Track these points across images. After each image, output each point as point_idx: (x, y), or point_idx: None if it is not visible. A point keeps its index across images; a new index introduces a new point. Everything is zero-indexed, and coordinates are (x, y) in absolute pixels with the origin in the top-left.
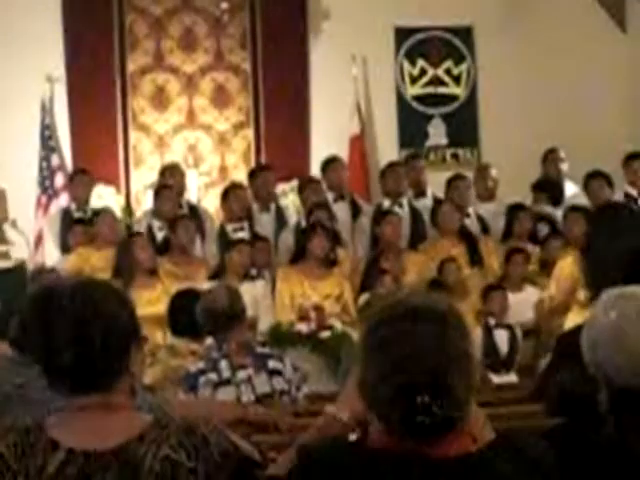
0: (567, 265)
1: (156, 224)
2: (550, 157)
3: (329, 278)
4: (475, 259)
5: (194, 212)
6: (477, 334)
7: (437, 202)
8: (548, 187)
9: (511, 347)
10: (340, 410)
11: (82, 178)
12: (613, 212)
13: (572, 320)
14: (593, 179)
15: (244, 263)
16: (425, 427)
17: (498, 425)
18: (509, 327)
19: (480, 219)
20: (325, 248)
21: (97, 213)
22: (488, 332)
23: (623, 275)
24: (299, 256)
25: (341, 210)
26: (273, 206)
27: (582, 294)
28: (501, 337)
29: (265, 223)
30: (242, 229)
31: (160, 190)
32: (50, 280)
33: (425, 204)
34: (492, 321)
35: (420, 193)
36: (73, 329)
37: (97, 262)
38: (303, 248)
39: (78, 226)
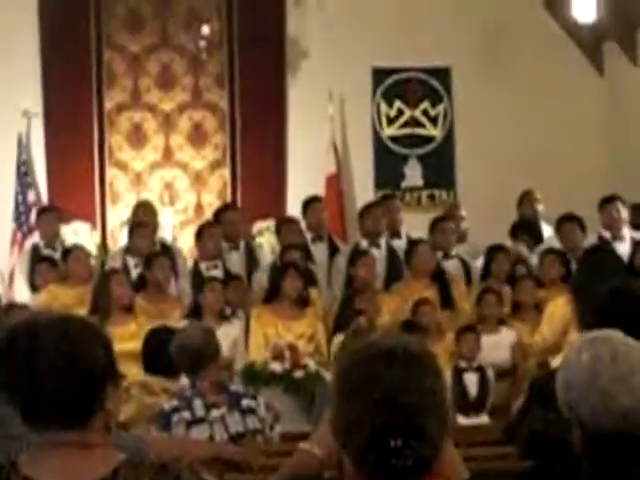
0: (559, 307)
1: (131, 261)
2: (526, 199)
3: (302, 318)
4: (447, 302)
5: (166, 250)
6: (447, 376)
7: (411, 243)
8: (526, 229)
9: (482, 389)
10: (314, 447)
11: (47, 215)
12: (599, 255)
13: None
14: (566, 222)
15: (218, 301)
16: (399, 470)
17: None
18: (480, 369)
19: (462, 260)
20: (298, 288)
21: (68, 250)
22: (458, 374)
23: (604, 317)
24: (272, 295)
25: (319, 250)
26: (242, 244)
27: (574, 335)
28: (470, 379)
29: (235, 261)
30: (216, 267)
31: (135, 227)
32: (24, 316)
33: (400, 245)
34: (463, 363)
35: (394, 234)
36: (49, 365)
37: (67, 299)
38: (277, 288)
39: (44, 264)
